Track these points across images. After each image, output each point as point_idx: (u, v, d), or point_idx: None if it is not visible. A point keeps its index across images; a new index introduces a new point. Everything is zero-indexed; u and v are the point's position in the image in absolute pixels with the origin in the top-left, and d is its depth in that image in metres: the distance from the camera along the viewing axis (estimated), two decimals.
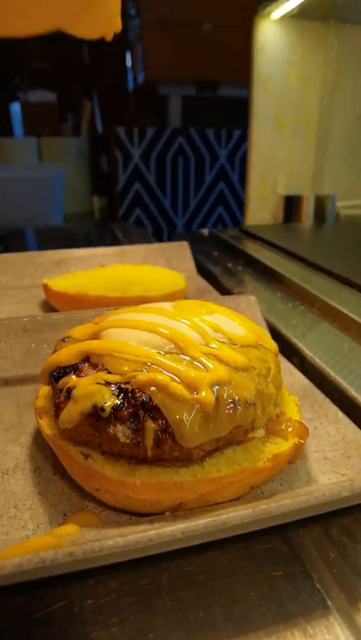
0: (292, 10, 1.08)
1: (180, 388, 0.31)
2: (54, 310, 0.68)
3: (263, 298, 0.74)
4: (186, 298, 0.71)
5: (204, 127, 2.11)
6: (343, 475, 0.36)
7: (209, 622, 0.27)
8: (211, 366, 0.34)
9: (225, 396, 0.32)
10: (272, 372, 0.37)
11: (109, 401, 0.31)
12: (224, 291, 0.80)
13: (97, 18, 0.33)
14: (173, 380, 0.32)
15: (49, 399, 0.38)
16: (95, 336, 0.39)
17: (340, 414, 0.42)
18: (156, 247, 0.90)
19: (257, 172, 1.26)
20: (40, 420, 0.37)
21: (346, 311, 0.63)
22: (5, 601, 0.28)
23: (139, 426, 0.31)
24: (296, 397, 0.42)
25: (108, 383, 0.33)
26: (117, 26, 0.34)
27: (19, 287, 0.79)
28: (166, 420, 0.31)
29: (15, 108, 2.22)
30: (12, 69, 2.17)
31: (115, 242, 1.19)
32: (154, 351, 0.35)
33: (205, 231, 1.25)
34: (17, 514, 0.33)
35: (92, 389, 0.32)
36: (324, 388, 0.48)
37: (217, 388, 0.32)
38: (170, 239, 1.12)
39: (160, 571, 0.30)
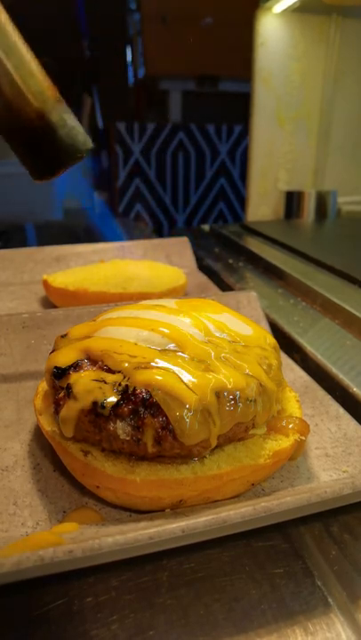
0: (294, 3, 1.07)
1: (179, 386, 0.31)
2: (54, 306, 0.68)
3: (264, 294, 0.73)
4: (186, 294, 0.71)
5: (204, 122, 2.10)
6: (344, 472, 0.36)
7: (209, 620, 0.27)
8: (211, 365, 0.33)
9: (226, 393, 0.32)
10: (273, 369, 0.37)
11: (109, 398, 0.31)
12: (225, 287, 0.80)
13: None
14: (173, 377, 0.32)
15: (49, 396, 0.38)
16: (96, 334, 0.38)
17: (342, 411, 0.42)
18: (156, 243, 0.90)
19: (258, 167, 1.25)
20: (40, 417, 0.37)
21: (348, 307, 0.63)
22: (5, 599, 0.27)
23: (139, 423, 0.30)
24: (297, 394, 0.42)
25: (108, 381, 0.32)
26: None
27: (18, 283, 0.78)
28: (167, 417, 0.30)
29: None
30: None
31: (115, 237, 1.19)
32: (154, 349, 0.34)
33: (206, 227, 1.25)
34: (16, 511, 0.33)
35: (92, 386, 0.32)
36: (326, 384, 0.48)
37: (216, 385, 0.32)
38: (170, 235, 1.12)
39: (160, 568, 0.29)
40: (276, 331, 0.61)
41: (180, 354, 0.34)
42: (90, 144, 0.26)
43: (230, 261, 0.94)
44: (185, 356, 0.34)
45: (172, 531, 0.27)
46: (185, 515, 0.30)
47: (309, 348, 0.55)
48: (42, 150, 0.24)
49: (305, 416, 0.41)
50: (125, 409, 0.31)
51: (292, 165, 1.27)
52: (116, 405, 0.31)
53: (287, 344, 0.58)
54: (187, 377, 0.32)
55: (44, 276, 0.68)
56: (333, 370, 0.50)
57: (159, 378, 0.31)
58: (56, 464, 0.37)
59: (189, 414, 0.30)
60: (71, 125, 0.25)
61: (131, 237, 1.14)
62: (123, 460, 0.32)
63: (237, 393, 0.32)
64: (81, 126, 0.25)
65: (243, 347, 0.37)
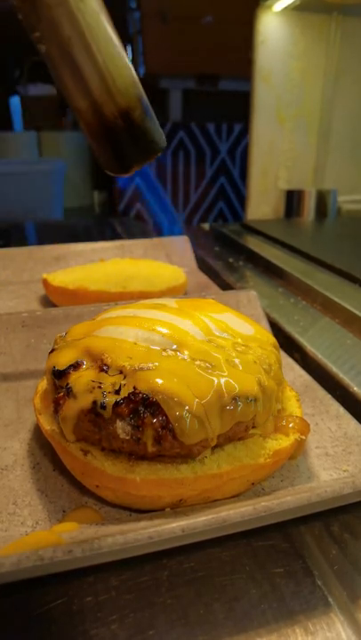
0: (295, 2, 1.07)
1: (179, 386, 0.31)
2: (54, 305, 0.68)
3: (265, 293, 0.73)
4: (186, 293, 0.71)
5: (204, 121, 2.10)
6: (345, 471, 0.36)
7: (209, 620, 0.27)
8: (211, 364, 0.33)
9: (226, 392, 0.32)
10: (273, 368, 0.37)
11: (109, 397, 0.31)
12: (225, 286, 0.80)
13: None
14: (173, 377, 0.32)
15: (48, 395, 0.38)
16: (96, 333, 0.38)
17: (342, 410, 0.42)
18: (156, 242, 0.90)
19: (258, 166, 1.25)
20: (39, 416, 0.37)
21: (348, 306, 0.63)
22: (5, 599, 0.27)
23: (139, 422, 0.30)
24: (297, 393, 0.42)
25: (107, 380, 0.32)
26: None
27: (18, 282, 0.78)
28: (166, 417, 0.30)
29: (15, 101, 2.21)
30: (12, 63, 2.16)
31: (115, 236, 1.19)
32: (154, 348, 0.34)
33: (206, 226, 1.25)
34: (16, 510, 0.33)
35: (91, 386, 0.32)
36: (326, 383, 0.48)
37: (216, 384, 0.32)
38: (170, 234, 1.12)
39: (160, 568, 0.29)
40: (277, 330, 0.61)
41: (180, 353, 0.34)
42: (164, 142, 0.25)
43: (230, 260, 0.94)
44: (185, 355, 0.34)
45: (171, 530, 0.27)
46: (185, 514, 0.30)
47: (310, 348, 0.55)
48: (121, 148, 0.24)
49: (305, 415, 0.41)
50: (125, 408, 0.31)
51: (292, 164, 1.27)
52: (116, 405, 0.31)
53: (287, 343, 0.58)
54: (187, 376, 0.32)
55: (44, 275, 0.68)
56: (334, 369, 0.50)
57: (159, 377, 0.31)
58: (56, 463, 0.37)
59: (189, 414, 0.30)
60: (151, 124, 0.24)
61: (131, 236, 1.14)
62: (122, 460, 0.32)
63: (237, 392, 0.32)
64: (157, 123, 0.24)
65: (243, 346, 0.37)
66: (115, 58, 0.21)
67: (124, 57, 0.22)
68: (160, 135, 0.24)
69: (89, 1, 0.21)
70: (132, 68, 0.22)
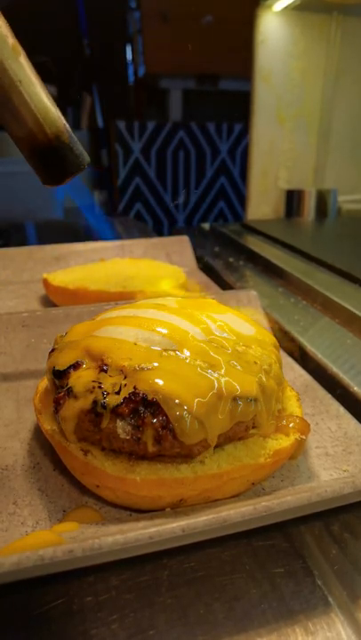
0: (295, 1, 1.07)
1: (179, 386, 0.31)
2: (54, 305, 0.68)
3: (265, 293, 0.73)
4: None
5: (204, 121, 2.10)
6: (345, 471, 0.36)
7: (209, 619, 0.27)
8: (211, 364, 0.33)
9: (226, 392, 0.32)
10: (273, 368, 0.37)
11: (110, 397, 0.31)
12: (225, 286, 0.80)
13: None
14: (173, 377, 0.32)
15: (48, 395, 0.38)
16: (96, 333, 0.38)
17: (342, 410, 0.42)
18: (156, 242, 0.90)
19: (258, 166, 1.25)
20: (39, 416, 0.37)
21: (348, 306, 0.63)
22: (5, 599, 0.27)
23: (139, 422, 0.30)
24: (297, 393, 0.42)
25: (108, 380, 0.32)
26: None
27: (18, 282, 0.78)
28: (167, 417, 0.30)
29: None
30: None
31: (115, 236, 1.18)
32: (154, 348, 0.34)
33: (206, 226, 1.25)
34: (16, 510, 0.33)
35: (92, 386, 0.32)
36: (326, 383, 0.48)
37: (216, 384, 0.32)
38: (170, 234, 1.12)
39: (160, 567, 0.29)
40: (277, 330, 0.61)
41: (179, 353, 0.34)
42: (88, 159, 0.32)
43: (230, 260, 0.94)
44: (185, 355, 0.34)
45: (172, 530, 0.27)
46: (185, 514, 0.30)
47: (310, 347, 0.55)
48: (54, 165, 0.31)
49: (305, 415, 0.41)
50: (125, 408, 0.31)
51: (292, 163, 1.27)
52: (116, 405, 0.31)
53: (287, 343, 0.58)
54: (187, 376, 0.32)
55: (44, 275, 0.68)
56: (334, 369, 0.50)
57: (159, 377, 0.31)
58: (56, 463, 0.37)
59: (189, 414, 0.30)
60: (77, 145, 0.31)
61: (131, 236, 1.14)
62: (123, 460, 0.32)
63: (238, 392, 0.32)
64: (80, 146, 0.32)
65: (243, 346, 0.37)
66: (42, 100, 0.29)
67: (49, 98, 0.30)
68: (83, 153, 0.32)
69: (21, 62, 0.28)
70: (56, 107, 0.30)
